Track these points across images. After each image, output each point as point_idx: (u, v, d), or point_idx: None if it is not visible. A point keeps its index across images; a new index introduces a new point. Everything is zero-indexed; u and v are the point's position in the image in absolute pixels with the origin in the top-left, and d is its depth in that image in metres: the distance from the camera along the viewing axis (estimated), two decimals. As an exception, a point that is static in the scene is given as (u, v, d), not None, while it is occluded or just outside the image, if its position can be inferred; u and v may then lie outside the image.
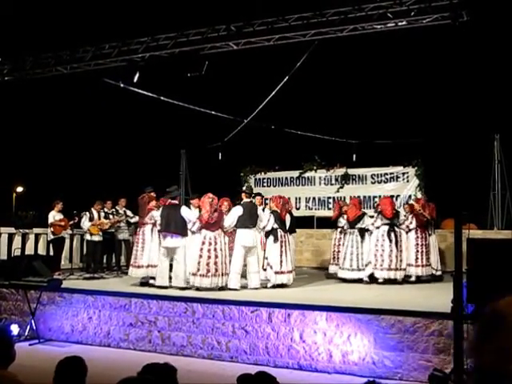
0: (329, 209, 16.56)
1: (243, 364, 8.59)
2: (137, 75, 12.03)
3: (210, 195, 10.99)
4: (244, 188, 12.25)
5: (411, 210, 12.64)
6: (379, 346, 7.95)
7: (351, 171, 16.73)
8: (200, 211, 11.28)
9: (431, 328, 7.72)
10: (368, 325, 8.06)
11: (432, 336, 7.69)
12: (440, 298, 8.78)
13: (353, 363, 8.09)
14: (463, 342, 6.94)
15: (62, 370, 3.78)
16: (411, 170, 15.94)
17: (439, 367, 7.30)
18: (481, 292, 6.65)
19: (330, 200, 16.76)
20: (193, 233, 11.08)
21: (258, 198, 12.44)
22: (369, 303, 8.80)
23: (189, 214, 11.05)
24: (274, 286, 11.08)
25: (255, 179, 17.85)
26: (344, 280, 12.22)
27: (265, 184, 17.67)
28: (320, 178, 17.10)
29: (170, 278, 10.92)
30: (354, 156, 16.80)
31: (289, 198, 13.37)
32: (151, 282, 11.19)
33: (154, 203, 11.77)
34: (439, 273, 12.75)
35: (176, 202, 11.27)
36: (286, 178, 17.56)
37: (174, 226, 10.86)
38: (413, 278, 12.28)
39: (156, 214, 11.32)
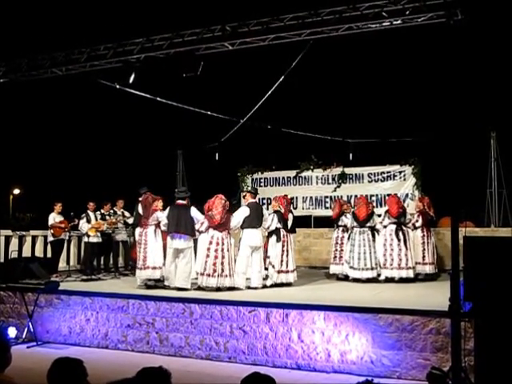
0: (326, 208, 16.57)
1: (241, 364, 8.58)
2: (132, 76, 12.00)
3: (222, 197, 10.99)
4: (249, 188, 12.19)
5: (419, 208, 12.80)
6: (377, 344, 7.95)
7: (348, 170, 16.73)
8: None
9: (429, 326, 7.72)
10: (366, 324, 8.06)
11: (430, 334, 7.70)
12: (437, 296, 8.79)
13: (351, 362, 8.09)
14: (461, 340, 6.95)
15: (56, 373, 3.77)
16: (408, 169, 15.95)
17: (437, 365, 7.30)
18: (478, 290, 6.66)
19: (327, 199, 16.76)
20: (200, 232, 11.07)
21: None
22: (366, 302, 8.81)
23: (198, 214, 11.04)
24: (275, 285, 11.09)
25: (252, 179, 17.85)
26: (358, 280, 12.03)
27: (262, 184, 17.66)
28: (317, 177, 17.09)
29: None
30: (351, 155, 16.81)
31: (290, 198, 13.44)
32: (161, 283, 11.15)
33: (157, 203, 11.63)
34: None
35: (184, 202, 11.24)
36: (283, 178, 17.55)
37: (184, 226, 10.83)
38: (421, 276, 12.35)
39: (160, 215, 11.21)
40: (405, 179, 15.98)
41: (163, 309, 9.48)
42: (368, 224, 12.34)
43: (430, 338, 7.68)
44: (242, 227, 11.19)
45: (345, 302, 8.78)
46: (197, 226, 10.94)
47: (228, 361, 8.79)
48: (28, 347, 9.75)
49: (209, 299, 9.41)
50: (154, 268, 11.22)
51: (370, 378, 3.75)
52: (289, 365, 8.42)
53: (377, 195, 16.09)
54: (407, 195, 15.54)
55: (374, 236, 12.31)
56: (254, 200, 11.58)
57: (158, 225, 11.36)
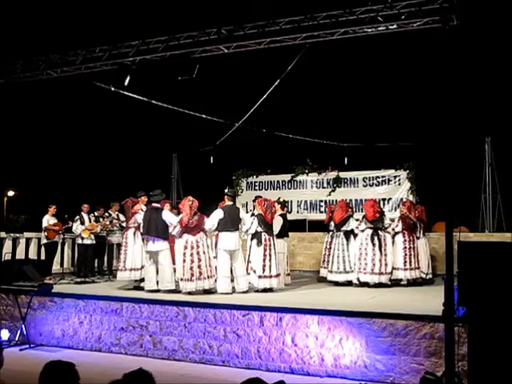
0: (321, 212, 16.57)
1: (235, 368, 8.54)
2: (128, 79, 12.01)
3: (190, 198, 10.91)
4: (226, 190, 12.02)
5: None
6: (371, 349, 7.93)
7: (343, 174, 16.74)
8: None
9: (423, 331, 7.71)
10: (360, 328, 8.05)
11: (424, 339, 7.69)
12: (431, 300, 8.79)
13: (345, 367, 8.07)
14: (455, 345, 6.95)
15: (48, 377, 3.75)
16: (403, 173, 15.97)
17: (431, 370, 7.29)
18: (472, 295, 6.66)
19: (322, 203, 16.77)
20: (173, 237, 10.98)
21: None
22: (360, 306, 8.79)
23: (170, 217, 10.96)
24: (263, 291, 10.98)
25: (247, 182, 17.84)
26: (335, 283, 12.28)
27: (256, 187, 17.66)
28: (312, 181, 17.11)
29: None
30: (346, 159, 16.84)
31: (283, 201, 13.38)
32: (141, 284, 11.21)
33: (138, 207, 11.74)
34: (429, 276, 12.70)
35: (158, 205, 11.19)
36: (278, 182, 17.56)
37: (155, 229, 10.84)
38: (404, 282, 12.22)
39: (139, 218, 11.34)
40: (400, 184, 16.01)
41: (157, 312, 9.45)
42: (343, 228, 12.41)
43: (424, 342, 7.68)
44: (218, 230, 11.00)
45: (338, 306, 8.76)
46: (170, 230, 10.88)
47: (222, 364, 8.75)
48: (21, 350, 9.69)
49: (203, 303, 9.36)
50: (132, 269, 11.41)
51: (363, 383, 3.75)
52: (282, 369, 8.38)
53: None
54: (402, 200, 15.54)
55: (348, 239, 12.36)
56: (230, 203, 11.30)
57: (137, 227, 11.47)
